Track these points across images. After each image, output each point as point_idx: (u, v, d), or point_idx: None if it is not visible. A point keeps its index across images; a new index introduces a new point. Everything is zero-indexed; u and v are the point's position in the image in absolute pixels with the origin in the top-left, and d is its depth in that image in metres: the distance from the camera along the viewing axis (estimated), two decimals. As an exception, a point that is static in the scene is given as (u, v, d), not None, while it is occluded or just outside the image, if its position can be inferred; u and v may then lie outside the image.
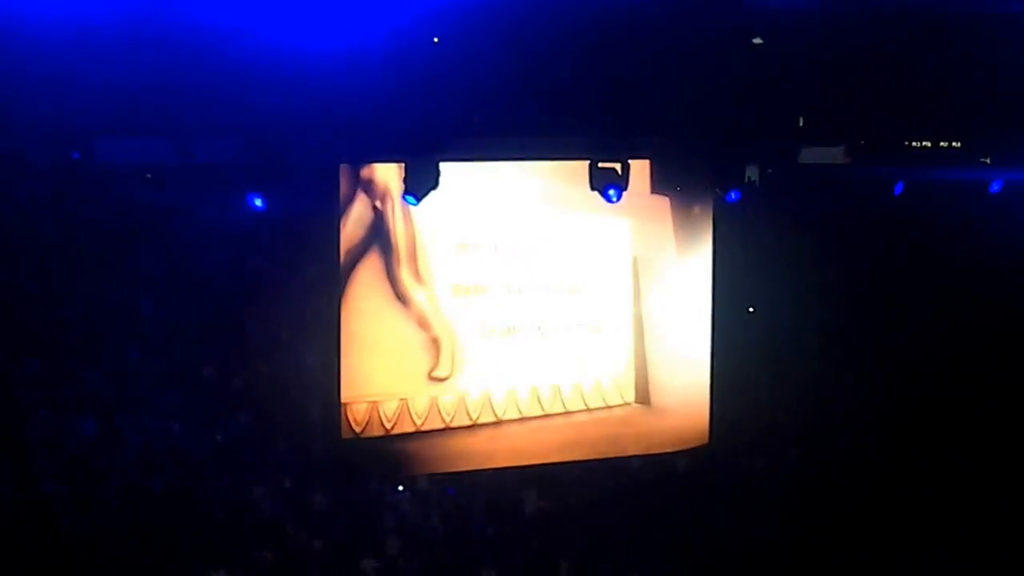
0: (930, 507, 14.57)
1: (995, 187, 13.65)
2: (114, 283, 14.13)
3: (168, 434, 13.89)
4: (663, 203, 14.23)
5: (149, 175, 13.52)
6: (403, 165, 12.29)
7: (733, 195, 13.31)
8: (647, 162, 13.87)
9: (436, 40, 12.02)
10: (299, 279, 14.22)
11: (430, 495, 14.09)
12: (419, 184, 12.18)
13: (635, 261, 14.19)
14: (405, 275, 13.11)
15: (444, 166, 12.18)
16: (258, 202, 12.21)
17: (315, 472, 13.81)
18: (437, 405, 13.29)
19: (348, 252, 12.86)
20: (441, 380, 13.34)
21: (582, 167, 12.74)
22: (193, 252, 14.20)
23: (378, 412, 13.06)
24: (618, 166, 12.65)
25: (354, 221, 12.88)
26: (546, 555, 13.80)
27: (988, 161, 13.97)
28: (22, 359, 13.89)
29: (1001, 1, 12.05)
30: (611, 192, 12.68)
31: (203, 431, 13.96)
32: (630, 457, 14.41)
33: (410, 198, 12.22)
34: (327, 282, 13.23)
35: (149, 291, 14.23)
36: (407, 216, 12.99)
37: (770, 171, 14.22)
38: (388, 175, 12.80)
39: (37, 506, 13.24)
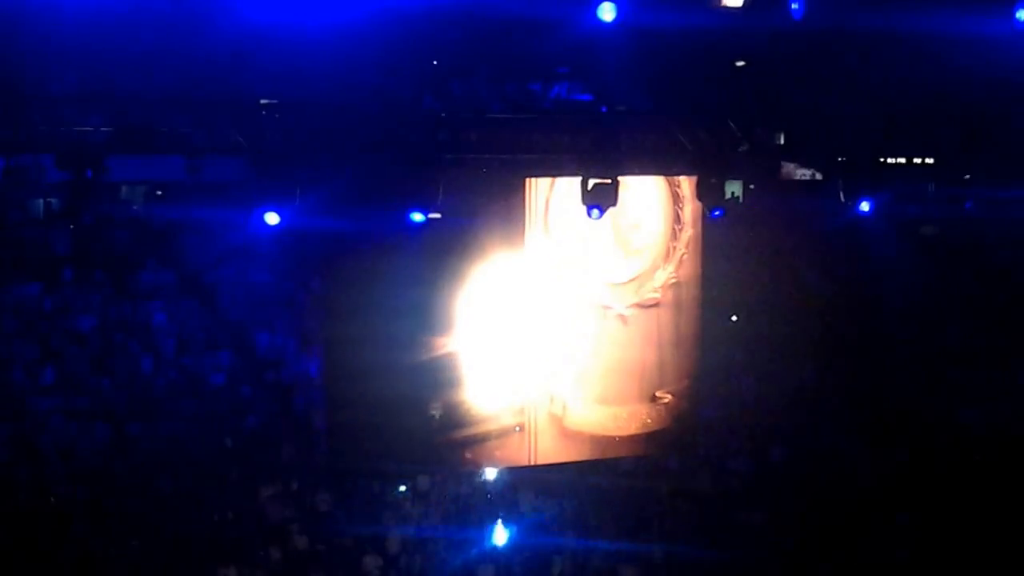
0: (910, 504, 15.05)
1: (969, 204, 14.24)
2: (127, 295, 14.55)
3: (179, 439, 14.29)
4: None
5: (160, 192, 14.03)
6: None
7: (717, 211, 13.77)
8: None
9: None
10: (304, 291, 14.73)
11: (430, 495, 14.56)
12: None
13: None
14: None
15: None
16: (274, 219, 12.50)
17: (320, 474, 14.27)
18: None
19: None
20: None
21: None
22: (203, 266, 14.61)
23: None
24: (608, 183, 13.09)
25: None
26: (541, 552, 14.25)
27: (960, 176, 14.52)
28: (37, 368, 14.30)
29: (973, 23, 12.53)
30: (594, 212, 13.14)
31: (212, 436, 14.39)
32: (622, 458, 14.98)
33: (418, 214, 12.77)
34: (330, 294, 13.84)
35: (161, 303, 14.69)
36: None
37: (752, 187, 14.63)
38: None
39: (53, 510, 13.62)
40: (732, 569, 14.43)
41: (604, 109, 13.53)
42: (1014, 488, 15.09)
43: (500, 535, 13.90)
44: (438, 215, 13.04)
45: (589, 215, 13.08)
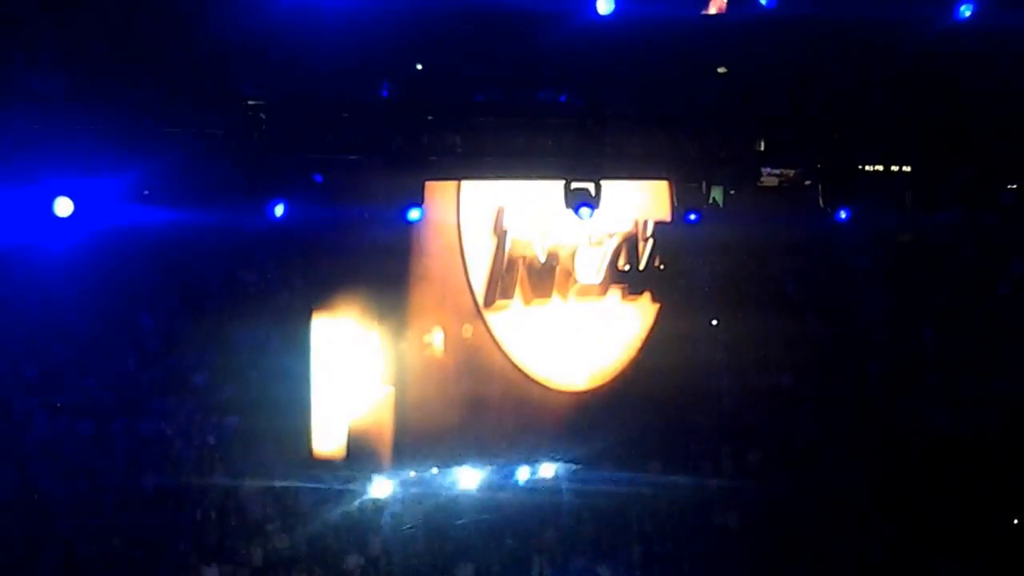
0: (884, 506, 15.40)
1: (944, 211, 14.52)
2: (111, 295, 14.59)
3: (161, 437, 14.37)
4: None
5: (147, 191, 14.04)
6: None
7: (694, 216, 13.95)
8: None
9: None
10: (286, 292, 14.83)
11: (411, 495, 14.70)
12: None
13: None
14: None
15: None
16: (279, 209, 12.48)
17: (301, 473, 14.34)
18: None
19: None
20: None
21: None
22: (187, 266, 14.65)
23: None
24: (591, 187, 13.26)
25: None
26: (521, 552, 14.48)
27: (937, 183, 14.70)
28: (22, 366, 14.33)
29: (951, 32, 12.75)
30: (583, 210, 13.28)
31: (195, 434, 14.48)
32: (602, 460, 15.15)
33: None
34: (311, 294, 13.96)
35: (145, 303, 14.74)
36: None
37: (732, 192, 14.81)
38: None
39: (36, 506, 13.68)
40: (709, 569, 14.62)
41: (587, 114, 13.62)
42: (988, 491, 15.33)
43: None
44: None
45: (578, 214, 13.24)
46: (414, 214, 12.81)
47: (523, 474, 15.12)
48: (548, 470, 15.18)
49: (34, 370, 14.35)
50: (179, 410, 14.55)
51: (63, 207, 11.53)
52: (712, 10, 12.88)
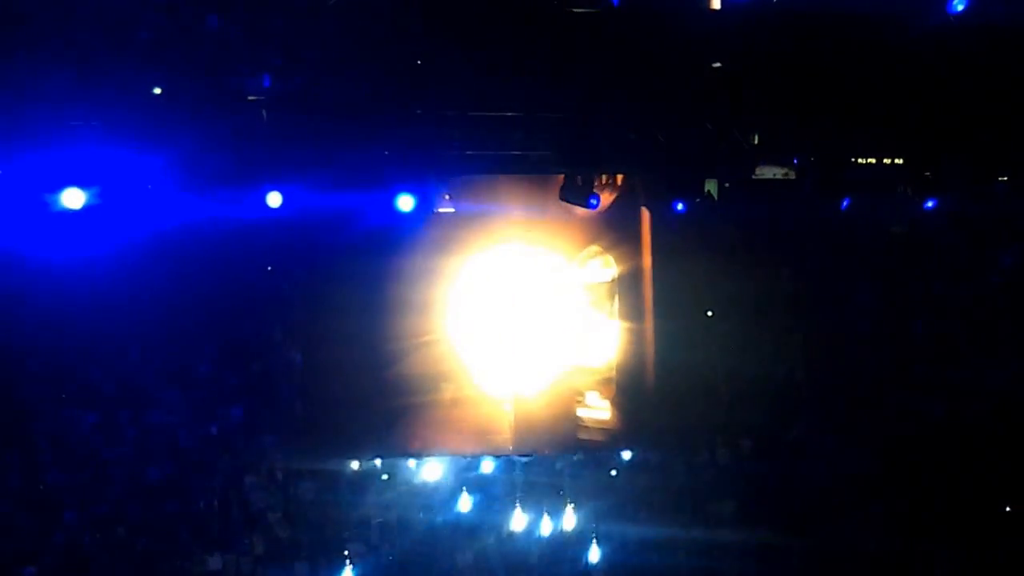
0: (878, 497, 15.48)
1: (930, 204, 14.66)
2: (117, 286, 14.74)
3: (165, 427, 14.58)
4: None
5: (150, 186, 14.19)
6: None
7: (682, 207, 14.08)
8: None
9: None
10: (290, 285, 15.01)
11: (411, 484, 14.89)
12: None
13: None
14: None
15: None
16: (276, 201, 12.63)
17: (303, 463, 14.59)
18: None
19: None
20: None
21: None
22: (192, 258, 14.78)
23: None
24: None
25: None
26: (519, 541, 14.66)
27: (929, 176, 14.84)
28: (27, 358, 14.54)
29: (944, 25, 12.87)
30: (593, 201, 13.48)
31: (198, 425, 14.68)
32: (601, 451, 15.34)
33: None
34: (314, 288, 14.14)
35: (150, 294, 14.84)
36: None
37: (727, 185, 14.91)
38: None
39: (42, 496, 13.95)
40: (703, 559, 14.79)
41: (583, 107, 13.74)
42: (981, 481, 15.47)
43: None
44: (452, 209, 13.43)
45: (588, 207, 13.42)
46: (405, 204, 12.93)
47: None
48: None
49: (40, 362, 14.54)
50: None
51: (73, 199, 11.59)
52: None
